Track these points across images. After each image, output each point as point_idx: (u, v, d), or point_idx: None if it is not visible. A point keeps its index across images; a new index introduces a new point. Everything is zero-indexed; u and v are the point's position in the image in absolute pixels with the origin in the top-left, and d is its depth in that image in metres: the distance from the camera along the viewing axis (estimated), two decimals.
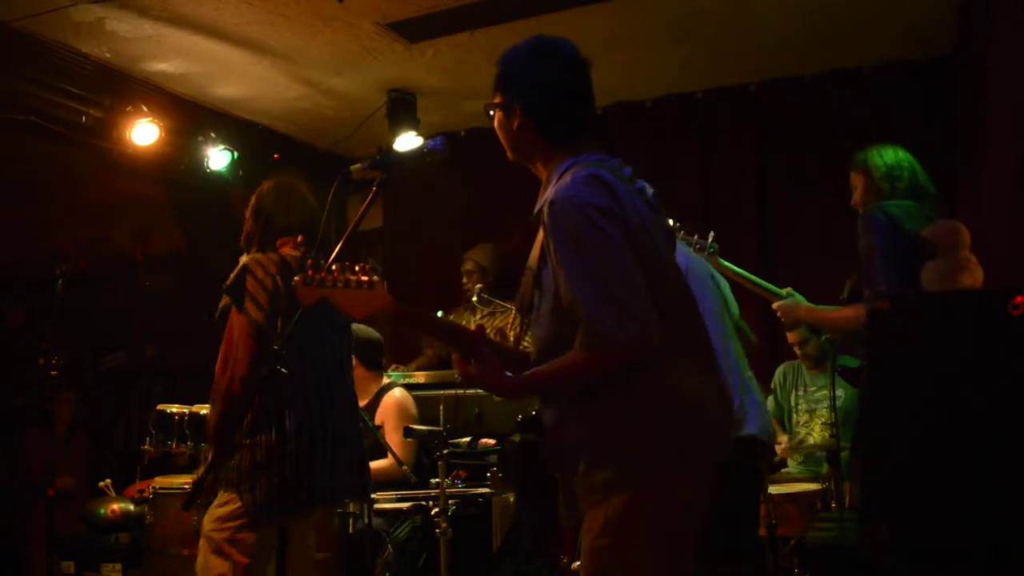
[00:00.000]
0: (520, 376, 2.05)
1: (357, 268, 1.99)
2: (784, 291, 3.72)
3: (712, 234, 3.64)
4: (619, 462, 2.00)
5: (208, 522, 2.95)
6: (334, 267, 1.99)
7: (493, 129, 2.29)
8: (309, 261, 2.04)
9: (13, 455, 6.12)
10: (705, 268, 3.56)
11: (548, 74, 2.18)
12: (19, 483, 5.95)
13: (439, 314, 5.94)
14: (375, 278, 2.00)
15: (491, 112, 2.26)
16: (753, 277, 3.84)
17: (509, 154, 2.29)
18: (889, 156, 3.43)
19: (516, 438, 4.54)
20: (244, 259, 3.07)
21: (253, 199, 3.24)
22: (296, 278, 2.00)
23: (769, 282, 3.86)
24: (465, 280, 5.84)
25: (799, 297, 3.67)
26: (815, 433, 4.97)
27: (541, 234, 2.11)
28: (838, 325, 3.50)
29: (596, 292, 1.94)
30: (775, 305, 3.70)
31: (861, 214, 3.36)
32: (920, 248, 3.12)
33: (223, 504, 2.93)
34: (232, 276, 3.02)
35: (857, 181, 3.51)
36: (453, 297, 6.06)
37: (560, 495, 2.14)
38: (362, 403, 4.64)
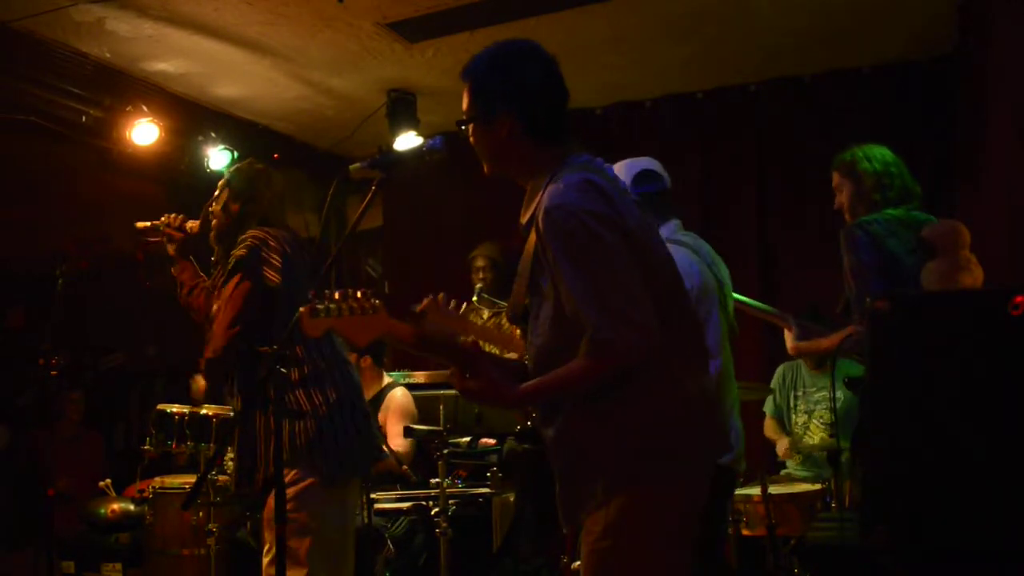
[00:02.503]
0: (521, 387, 2.04)
1: (359, 294, 2.00)
2: (776, 311, 3.69)
3: None
4: (618, 466, 2.01)
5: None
6: (336, 295, 2.00)
7: None
8: (312, 292, 2.06)
9: (13, 455, 6.12)
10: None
11: (533, 76, 2.16)
12: (19, 483, 5.95)
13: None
14: (377, 302, 2.01)
15: (465, 127, 2.21)
16: (750, 301, 3.78)
17: (490, 167, 2.24)
18: (877, 162, 3.36)
19: (513, 442, 4.55)
20: (252, 233, 3.15)
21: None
22: (302, 309, 2.02)
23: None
24: (482, 276, 5.65)
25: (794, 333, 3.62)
26: (813, 434, 4.97)
27: (532, 240, 2.09)
28: (827, 352, 3.50)
29: (597, 299, 1.93)
30: (787, 338, 3.65)
31: (843, 230, 3.31)
32: (901, 266, 3.12)
33: (290, 483, 2.94)
34: (244, 250, 3.09)
35: (843, 185, 3.45)
36: (453, 297, 6.04)
37: (559, 499, 2.13)
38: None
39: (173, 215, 3.53)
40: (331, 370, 3.11)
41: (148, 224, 3.58)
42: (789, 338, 3.64)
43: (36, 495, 5.78)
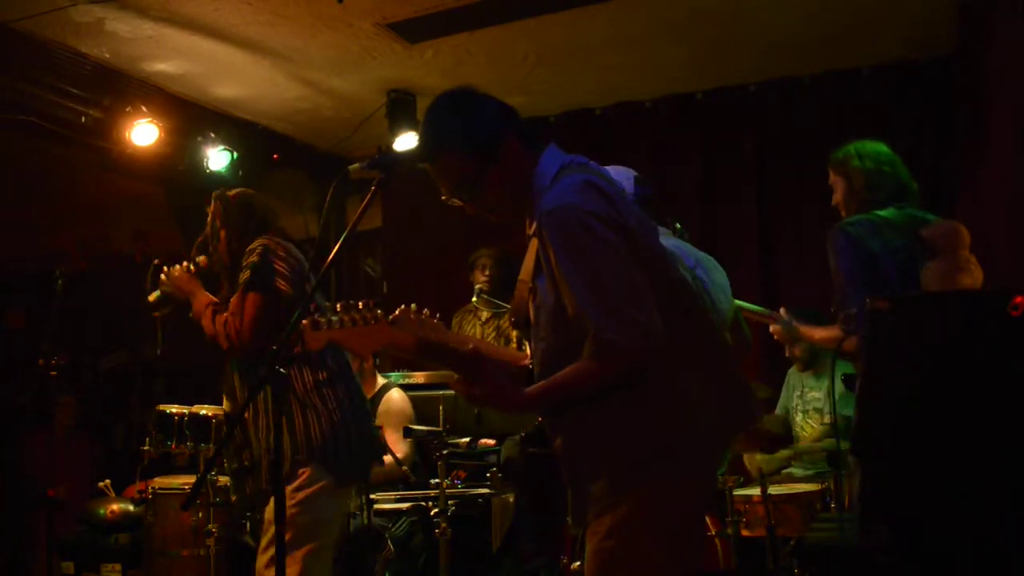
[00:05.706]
0: (528, 391, 2.04)
1: (360, 305, 1.99)
2: (770, 311, 3.68)
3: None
4: (623, 468, 2.01)
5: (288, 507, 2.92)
6: (338, 306, 1.99)
7: None
8: (313, 304, 2.05)
9: (13, 456, 6.12)
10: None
11: (490, 102, 2.18)
12: (19, 483, 5.94)
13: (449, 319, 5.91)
14: (379, 312, 2.00)
15: (472, 194, 2.18)
16: (745, 304, 3.76)
17: (510, 204, 2.20)
18: (869, 160, 3.32)
19: (516, 441, 4.54)
20: (260, 242, 3.18)
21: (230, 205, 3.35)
22: (303, 322, 2.01)
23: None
24: (488, 274, 5.63)
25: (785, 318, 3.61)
26: (812, 434, 4.96)
27: (534, 244, 2.08)
28: (817, 344, 3.51)
29: (601, 301, 1.93)
30: (772, 330, 3.63)
31: (828, 233, 3.27)
32: (880, 266, 3.09)
33: (303, 484, 3.01)
34: (256, 259, 3.12)
35: (837, 182, 3.44)
36: (453, 298, 6.04)
37: (571, 503, 2.13)
38: None
39: (176, 268, 3.40)
40: (343, 371, 3.16)
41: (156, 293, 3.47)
42: (778, 329, 3.62)
43: (20, 497, 5.79)
